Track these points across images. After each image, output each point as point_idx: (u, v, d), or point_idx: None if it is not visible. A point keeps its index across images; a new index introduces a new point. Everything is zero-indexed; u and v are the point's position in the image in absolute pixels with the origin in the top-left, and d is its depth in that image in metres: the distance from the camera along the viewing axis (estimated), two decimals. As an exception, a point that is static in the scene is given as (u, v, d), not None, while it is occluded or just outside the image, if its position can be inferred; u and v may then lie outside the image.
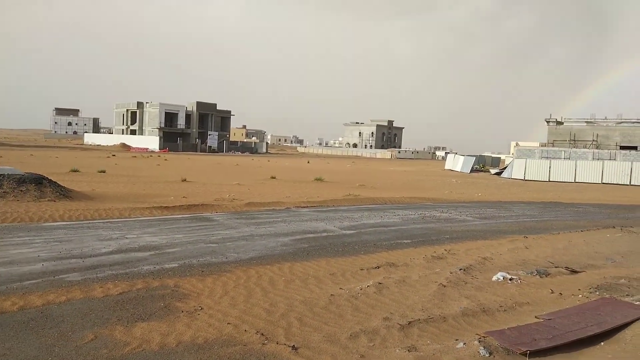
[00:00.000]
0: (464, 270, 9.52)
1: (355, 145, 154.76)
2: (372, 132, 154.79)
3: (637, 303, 7.21)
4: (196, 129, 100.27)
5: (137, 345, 5.54)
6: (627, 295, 7.83)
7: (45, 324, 6.02)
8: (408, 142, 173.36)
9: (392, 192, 26.62)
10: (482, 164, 71.23)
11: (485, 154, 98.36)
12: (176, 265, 9.06)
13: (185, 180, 26.68)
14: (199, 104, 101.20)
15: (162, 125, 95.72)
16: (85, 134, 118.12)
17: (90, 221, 13.37)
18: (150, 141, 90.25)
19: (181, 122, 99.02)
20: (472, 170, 60.22)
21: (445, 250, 11.68)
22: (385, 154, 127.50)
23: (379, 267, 9.71)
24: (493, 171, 61.12)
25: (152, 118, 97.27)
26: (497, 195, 29.05)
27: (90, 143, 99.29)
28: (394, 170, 59.41)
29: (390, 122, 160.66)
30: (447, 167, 66.58)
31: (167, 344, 5.60)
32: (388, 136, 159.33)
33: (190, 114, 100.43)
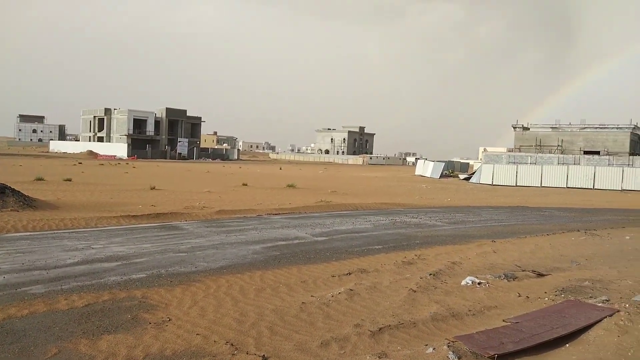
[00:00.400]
0: (434, 275, 9.63)
1: (327, 152, 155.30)
2: (344, 138, 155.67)
3: (600, 305, 7.41)
4: (166, 136, 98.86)
5: (103, 358, 5.40)
6: (590, 297, 8.05)
7: (6, 339, 5.81)
8: (379, 148, 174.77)
9: (364, 198, 26.79)
10: (451, 170, 72.38)
11: (455, 159, 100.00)
12: (144, 275, 8.88)
13: (154, 188, 26.25)
14: (168, 110, 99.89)
15: (131, 131, 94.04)
16: (50, 141, 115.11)
17: (55, 231, 13.01)
18: (118, 148, 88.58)
19: (150, 128, 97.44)
20: (441, 176, 61.13)
21: (416, 255, 11.80)
22: (357, 160, 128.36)
23: (350, 274, 9.73)
24: (462, 176, 62.18)
25: (120, 125, 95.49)
26: (466, 200, 29.54)
27: (56, 151, 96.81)
28: (366, 176, 59.81)
29: (362, 128, 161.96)
30: (417, 172, 67.40)
31: (133, 356, 5.47)
32: (360, 142, 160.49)
33: (159, 121, 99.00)
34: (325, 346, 5.88)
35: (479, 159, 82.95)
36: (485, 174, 51.35)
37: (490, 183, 49.82)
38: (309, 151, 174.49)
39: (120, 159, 78.84)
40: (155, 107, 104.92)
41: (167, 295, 7.79)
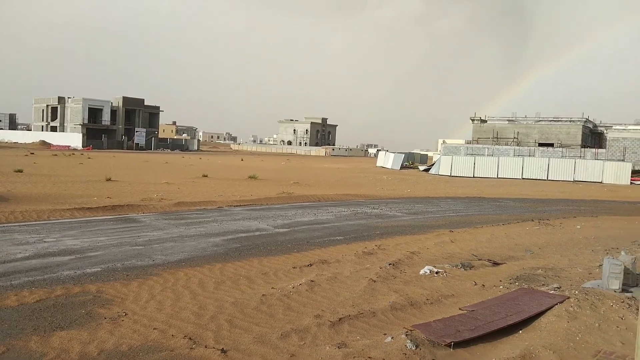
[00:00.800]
0: (393, 265, 9.76)
1: (289, 143, 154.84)
2: (307, 130, 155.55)
3: (552, 292, 7.69)
4: (122, 126, 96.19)
5: (55, 355, 5.22)
6: (543, 284, 8.34)
7: (-51, 338, 5.53)
8: (342, 139, 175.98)
9: (326, 189, 26.87)
10: (411, 161, 73.47)
11: (415, 151, 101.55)
12: (99, 269, 8.63)
13: (110, 179, 25.51)
14: (125, 99, 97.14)
15: (86, 121, 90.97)
16: (0, 130, 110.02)
17: (5, 225, 12.47)
18: (72, 138, 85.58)
19: (106, 118, 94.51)
20: (402, 167, 62.00)
21: (376, 245, 11.93)
22: (320, 151, 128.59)
23: (311, 265, 9.75)
24: (422, 168, 63.25)
25: (75, 114, 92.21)
26: (425, 191, 30.08)
27: (6, 140, 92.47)
28: (328, 167, 60.00)
29: (325, 120, 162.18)
30: (378, 164, 68.13)
31: (87, 352, 5.31)
32: (322, 134, 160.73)
33: (116, 110, 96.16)
34: (285, 338, 5.87)
35: (438, 150, 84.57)
36: (444, 166, 52.37)
37: (449, 174, 50.87)
38: (271, 142, 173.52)
39: (75, 149, 76.26)
40: (112, 96, 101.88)
41: (123, 289, 7.60)
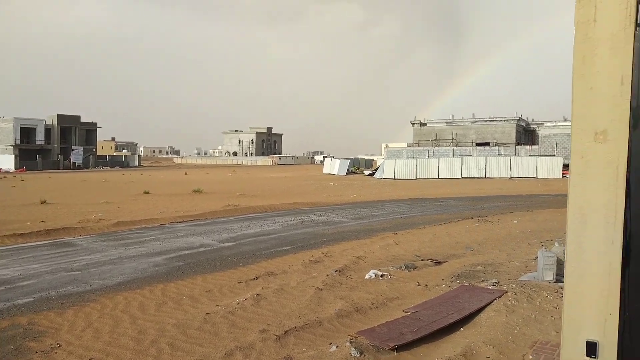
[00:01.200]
0: (339, 271, 9.80)
1: (235, 154, 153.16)
2: (252, 140, 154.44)
3: (491, 287, 7.96)
4: (58, 144, 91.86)
5: (-21, 398, 4.86)
6: (482, 280, 8.62)
7: None
8: (288, 148, 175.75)
9: (273, 199, 26.72)
10: (356, 166, 74.43)
11: (360, 156, 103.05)
12: (31, 299, 8.16)
13: (44, 202, 24.26)
14: (60, 116, 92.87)
15: (18, 141, 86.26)
16: None
17: None
18: (3, 160, 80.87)
19: (40, 137, 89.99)
20: (348, 173, 62.67)
21: (323, 253, 11.95)
22: (267, 160, 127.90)
23: (257, 278, 9.63)
24: (367, 172, 64.19)
25: (6, 134, 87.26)
26: (371, 196, 30.52)
27: None
28: (275, 176, 59.76)
29: (270, 129, 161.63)
30: (325, 170, 68.55)
31: (16, 392, 4.98)
32: (268, 143, 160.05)
33: (50, 128, 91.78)
34: (229, 356, 5.74)
35: (382, 154, 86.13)
36: (387, 169, 53.39)
37: (393, 177, 51.89)
38: (216, 154, 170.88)
39: (7, 172, 72.06)
40: (45, 114, 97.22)
41: (58, 319, 7.21)
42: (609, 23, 3.88)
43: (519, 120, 71.27)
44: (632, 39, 3.81)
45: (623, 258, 3.93)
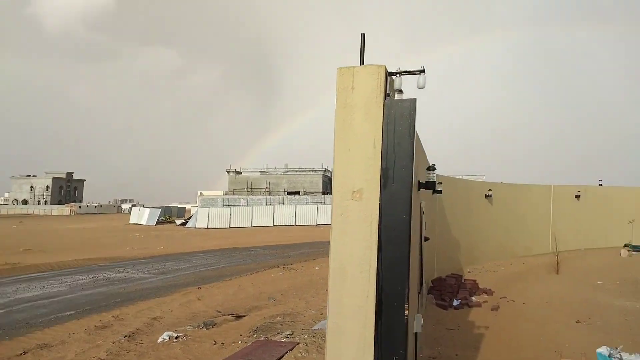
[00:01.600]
0: (129, 337, 8.88)
1: (25, 202, 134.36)
2: (48, 186, 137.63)
3: (284, 340, 7.95)
4: None
5: None
6: (278, 333, 8.59)
7: None
8: (91, 195, 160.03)
9: (65, 255, 23.71)
10: (168, 215, 71.25)
11: (173, 204, 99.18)
12: None
13: None
14: None
15: None
16: None
17: None
18: None
19: None
20: (158, 222, 59.50)
21: (113, 316, 10.79)
22: (64, 209, 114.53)
23: (26, 353, 8.20)
24: (179, 222, 61.75)
25: None
26: (180, 247, 29.21)
27: None
28: (73, 228, 53.64)
29: (70, 174, 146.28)
30: (132, 220, 63.98)
31: None
32: (67, 190, 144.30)
33: None
34: None
35: (197, 203, 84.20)
36: (200, 218, 52.15)
37: (206, 226, 50.79)
38: (2, 202, 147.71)
39: None
40: None
41: None
42: (364, 91, 4.26)
43: (325, 171, 76.71)
44: (382, 106, 4.23)
45: (376, 311, 4.20)
